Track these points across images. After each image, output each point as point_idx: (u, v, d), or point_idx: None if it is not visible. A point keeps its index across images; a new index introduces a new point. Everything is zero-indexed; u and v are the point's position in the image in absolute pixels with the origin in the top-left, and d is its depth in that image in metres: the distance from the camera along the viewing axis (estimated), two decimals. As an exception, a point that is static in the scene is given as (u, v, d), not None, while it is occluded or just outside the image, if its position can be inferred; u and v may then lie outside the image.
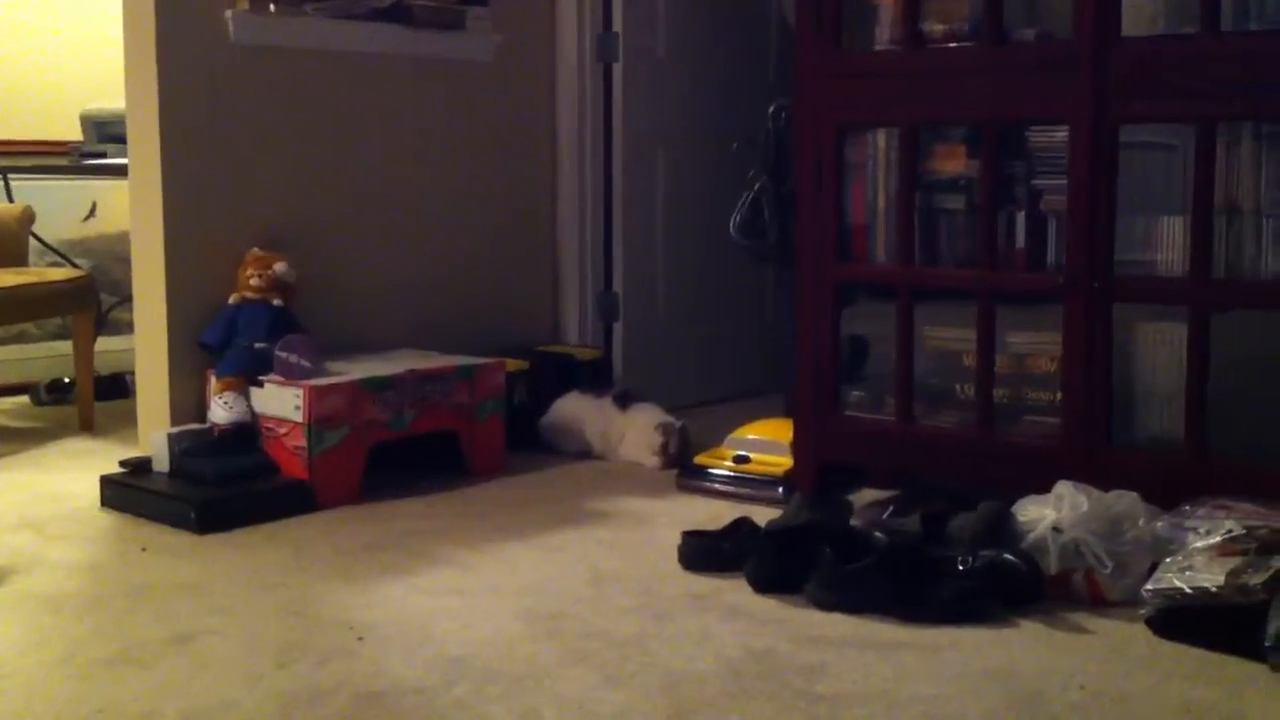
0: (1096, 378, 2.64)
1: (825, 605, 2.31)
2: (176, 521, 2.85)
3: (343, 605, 2.35)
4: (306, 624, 2.26)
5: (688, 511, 3.00)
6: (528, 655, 2.10)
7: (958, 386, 2.93)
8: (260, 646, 2.15)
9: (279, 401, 3.02)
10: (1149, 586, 2.20)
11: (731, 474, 3.20)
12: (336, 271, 3.48)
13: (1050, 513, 2.38)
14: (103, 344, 4.19)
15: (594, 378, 3.83)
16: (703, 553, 2.56)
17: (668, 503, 3.11)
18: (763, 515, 2.70)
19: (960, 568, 2.31)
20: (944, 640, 2.16)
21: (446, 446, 3.29)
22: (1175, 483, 2.47)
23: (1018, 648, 2.14)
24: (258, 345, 3.09)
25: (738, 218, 3.41)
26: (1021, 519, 2.41)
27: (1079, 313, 2.65)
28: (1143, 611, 2.20)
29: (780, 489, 3.07)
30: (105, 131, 4.22)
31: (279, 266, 3.19)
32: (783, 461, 3.14)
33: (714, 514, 2.92)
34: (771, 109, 3.32)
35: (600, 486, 3.25)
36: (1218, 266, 2.55)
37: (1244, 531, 2.19)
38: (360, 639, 2.18)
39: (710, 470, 3.23)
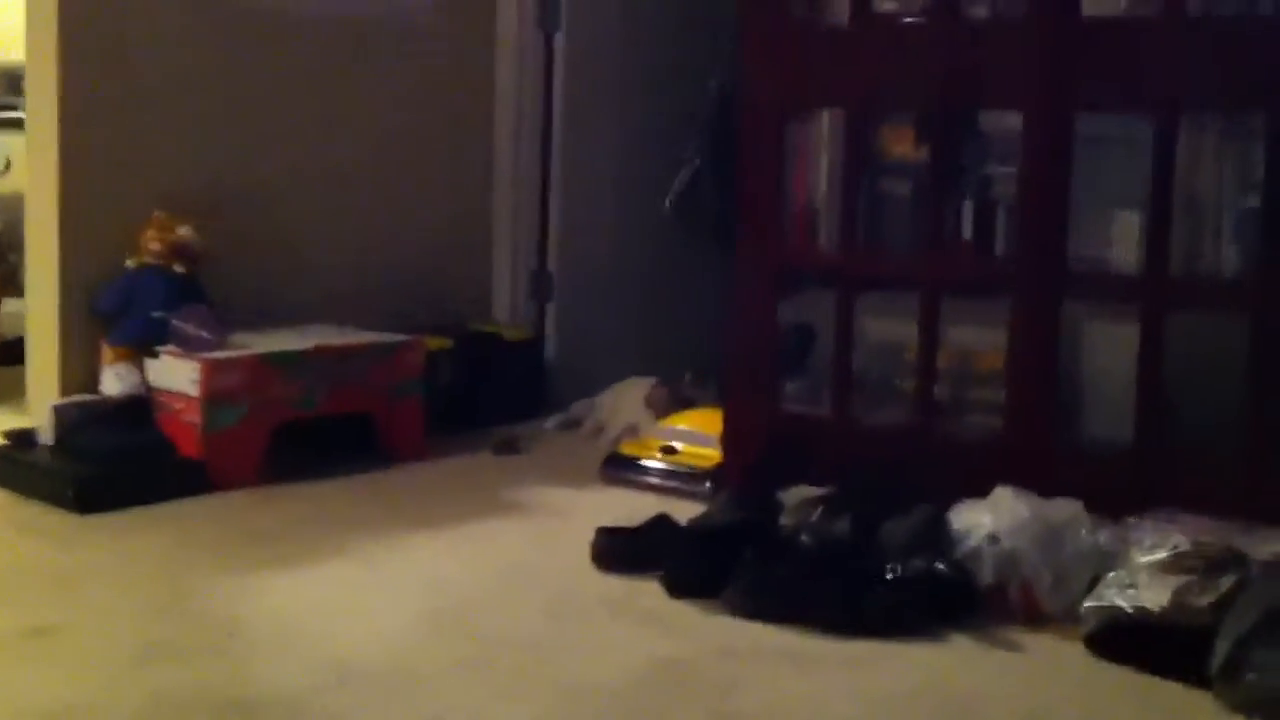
0: (1043, 378, 2.50)
1: (744, 612, 2.15)
2: (56, 499, 2.65)
3: (222, 599, 2.16)
4: (178, 619, 2.07)
5: (611, 505, 2.82)
6: (417, 661, 1.92)
7: (899, 381, 2.78)
8: (122, 643, 1.96)
9: (175, 375, 2.82)
10: (1089, 603, 2.05)
11: (658, 465, 3.03)
12: (253, 240, 3.26)
13: (987, 520, 2.23)
14: (15, 305, 3.96)
15: (524, 358, 3.68)
16: (617, 552, 2.39)
17: (591, 495, 2.94)
18: (689, 510, 2.55)
19: (889, 576, 2.16)
20: (868, 655, 2.01)
21: (366, 430, 3.11)
22: (1122, 492, 2.32)
23: (946, 665, 1.99)
24: (155, 314, 2.89)
25: (674, 196, 3.24)
26: (957, 526, 2.26)
27: (1026, 308, 2.50)
28: (1081, 629, 2.06)
29: (708, 483, 2.92)
30: (20, 84, 3.98)
31: (183, 231, 2.98)
32: (713, 454, 2.98)
33: (639, 508, 2.73)
34: (712, 84, 3.15)
35: (522, 476, 3.07)
36: (1175, 264, 2.42)
37: (1192, 548, 2.04)
38: (237, 635, 1.99)
39: (636, 461, 3.07)
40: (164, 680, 1.83)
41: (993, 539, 2.19)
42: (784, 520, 2.49)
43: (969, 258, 2.66)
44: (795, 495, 2.71)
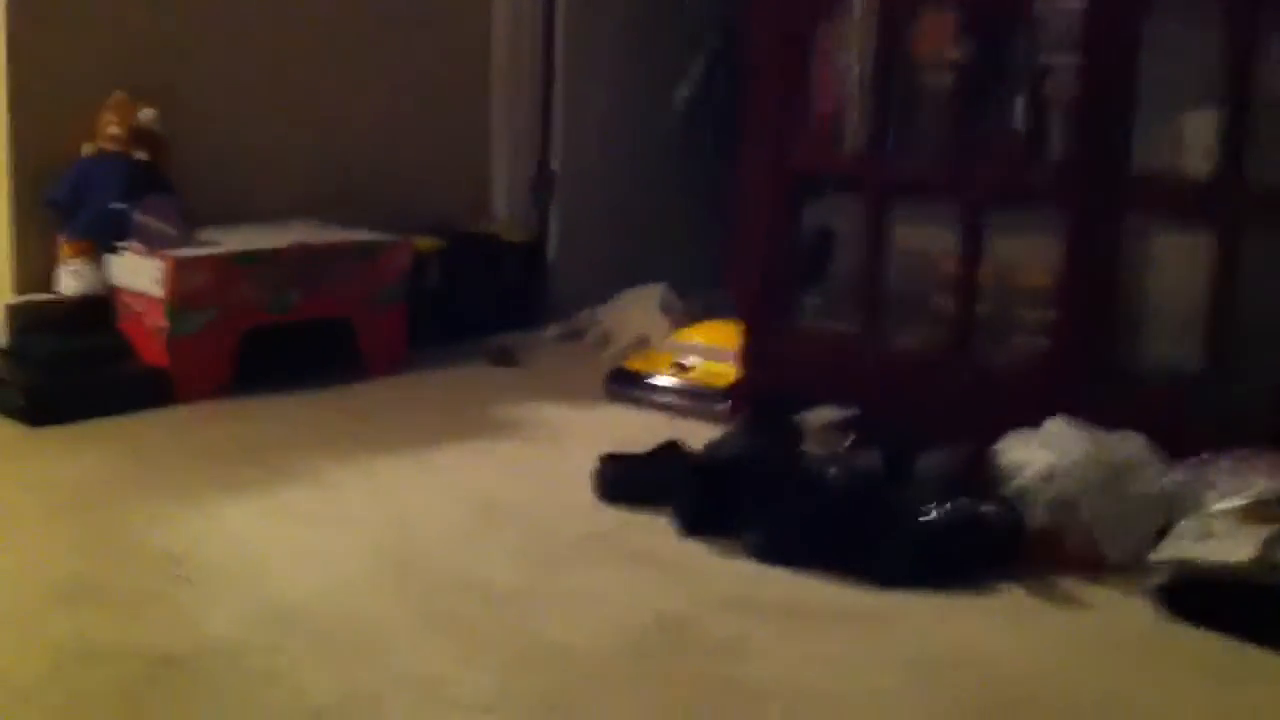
0: (1100, 295, 2.21)
1: (762, 556, 1.89)
2: (6, 409, 2.40)
3: (167, 529, 1.91)
4: (115, 552, 1.82)
5: (614, 426, 2.56)
6: (376, 613, 1.67)
7: (932, 296, 2.50)
8: (53, 582, 1.72)
9: (137, 273, 2.55)
10: (1158, 553, 1.79)
11: (669, 383, 2.77)
12: (229, 128, 2.96)
13: (1040, 455, 1.96)
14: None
15: (524, 261, 3.41)
16: (622, 481, 2.12)
17: (592, 414, 2.68)
18: (702, 434, 2.28)
19: (926, 518, 1.89)
20: (899, 610, 1.75)
21: (345, 338, 2.84)
22: (1190, 427, 2.05)
23: (989, 625, 1.73)
24: (115, 205, 2.61)
25: (686, 92, 2.90)
26: (1004, 461, 1.99)
27: (1083, 216, 2.21)
28: (1148, 582, 1.79)
29: (724, 403, 2.65)
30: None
31: (145, 114, 2.69)
32: (730, 371, 2.70)
33: (645, 430, 2.47)
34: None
35: (515, 391, 2.81)
36: (1254, 170, 2.11)
37: (1276, 494, 1.77)
38: (178, 575, 1.75)
39: (645, 377, 2.80)
40: (85, 624, 1.59)
41: (1046, 477, 1.92)
42: (805, 448, 2.23)
43: (1019, 160, 2.36)
44: (816, 419, 2.43)
